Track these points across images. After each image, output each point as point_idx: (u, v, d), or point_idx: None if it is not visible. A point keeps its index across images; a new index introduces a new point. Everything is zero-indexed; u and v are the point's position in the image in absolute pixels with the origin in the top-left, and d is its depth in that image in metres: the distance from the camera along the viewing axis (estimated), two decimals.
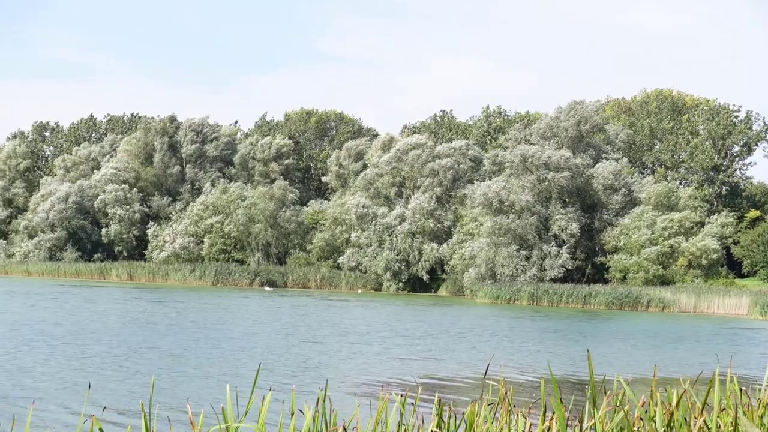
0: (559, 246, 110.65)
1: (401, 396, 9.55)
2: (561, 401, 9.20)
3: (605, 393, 9.82)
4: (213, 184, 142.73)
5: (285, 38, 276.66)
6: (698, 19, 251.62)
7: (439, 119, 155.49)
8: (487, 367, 10.38)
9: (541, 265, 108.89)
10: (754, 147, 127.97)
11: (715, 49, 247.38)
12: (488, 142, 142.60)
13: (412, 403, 9.82)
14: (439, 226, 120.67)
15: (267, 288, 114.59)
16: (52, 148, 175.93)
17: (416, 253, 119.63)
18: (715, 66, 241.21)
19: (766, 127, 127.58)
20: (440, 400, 9.74)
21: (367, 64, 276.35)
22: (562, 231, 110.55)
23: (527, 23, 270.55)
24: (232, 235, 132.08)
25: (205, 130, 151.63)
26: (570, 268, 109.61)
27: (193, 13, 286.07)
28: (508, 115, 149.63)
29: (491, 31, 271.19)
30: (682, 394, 9.45)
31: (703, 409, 9.35)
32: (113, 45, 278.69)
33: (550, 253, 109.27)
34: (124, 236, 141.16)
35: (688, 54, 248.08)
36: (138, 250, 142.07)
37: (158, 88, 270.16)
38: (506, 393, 9.51)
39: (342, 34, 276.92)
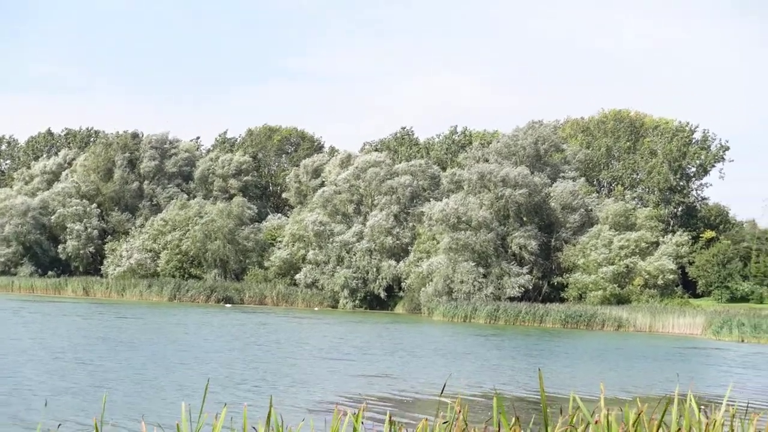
0: (519, 264, 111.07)
1: (355, 413, 9.46)
2: (518, 419, 9.13)
3: (561, 411, 9.76)
4: (172, 200, 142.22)
5: (251, 54, 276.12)
6: (661, 37, 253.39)
7: (399, 137, 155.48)
8: (444, 385, 10.30)
9: (499, 283, 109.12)
10: (710, 168, 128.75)
11: (677, 68, 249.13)
12: (449, 160, 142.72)
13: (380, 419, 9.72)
14: (397, 243, 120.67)
15: (227, 305, 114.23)
16: (8, 162, 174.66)
17: (374, 270, 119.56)
18: (675, 84, 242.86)
19: (722, 148, 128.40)
20: (391, 417, 9.65)
21: (331, 81, 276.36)
22: (521, 249, 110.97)
23: (490, 42, 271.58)
24: (189, 251, 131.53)
25: (165, 146, 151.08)
26: (529, 287, 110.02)
27: (157, 29, 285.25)
28: (471, 134, 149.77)
29: (454, 49, 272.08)
30: (640, 413, 9.41)
31: (659, 428, 9.31)
32: (74, 59, 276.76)
33: (510, 271, 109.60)
34: (81, 252, 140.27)
35: (649, 72, 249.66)
36: (94, 265, 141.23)
37: (119, 102, 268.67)
38: (460, 411, 9.43)
39: (306, 51, 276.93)
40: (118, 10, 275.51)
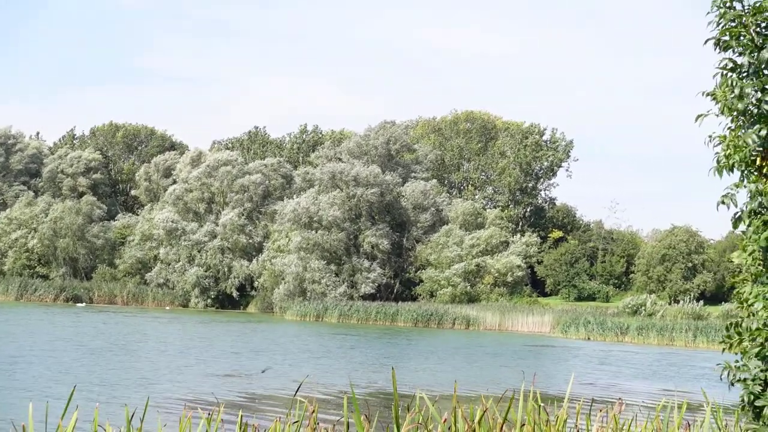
0: (371, 262, 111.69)
1: (207, 414, 9.55)
2: (367, 418, 9.32)
3: (408, 409, 9.97)
4: (18, 198, 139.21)
5: (101, 54, 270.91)
6: (511, 43, 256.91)
7: (252, 135, 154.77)
8: (300, 384, 10.45)
9: (352, 282, 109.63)
10: (557, 168, 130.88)
11: (524, 71, 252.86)
12: (300, 159, 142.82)
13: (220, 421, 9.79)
14: (249, 242, 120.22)
15: (78, 304, 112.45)
16: None
17: (226, 269, 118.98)
18: (523, 88, 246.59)
19: (567, 146, 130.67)
20: (243, 418, 9.76)
21: (184, 81, 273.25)
22: (373, 248, 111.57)
23: (341, 44, 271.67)
24: (36, 250, 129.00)
25: (9, 142, 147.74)
26: (381, 283, 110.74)
27: (5, 24, 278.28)
28: (322, 133, 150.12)
29: (306, 50, 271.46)
30: (485, 411, 9.66)
31: (503, 426, 9.58)
32: None
33: (361, 267, 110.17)
34: None
35: (498, 76, 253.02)
36: None
37: None
38: (312, 411, 9.58)
39: (159, 51, 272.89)
40: None
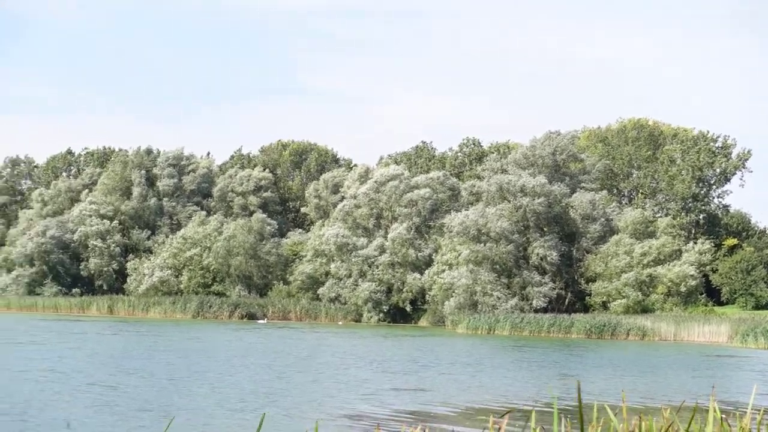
0: (541, 274, 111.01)
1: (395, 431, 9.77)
2: (543, 430, 9.42)
3: (589, 422, 10.03)
4: (192, 217, 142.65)
5: (259, 71, 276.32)
6: (674, 47, 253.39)
7: (419, 150, 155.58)
8: (506, 411, 10.61)
9: (522, 294, 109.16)
10: (731, 175, 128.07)
11: (693, 78, 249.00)
12: (465, 172, 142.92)
13: None
14: (419, 255, 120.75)
15: (260, 321, 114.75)
16: (29, 182, 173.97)
17: (399, 283, 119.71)
18: (693, 95, 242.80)
19: (742, 157, 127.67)
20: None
21: (342, 98, 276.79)
22: (542, 259, 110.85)
23: (498, 57, 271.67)
24: (211, 267, 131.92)
25: (182, 163, 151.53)
26: (552, 296, 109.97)
27: (167, 46, 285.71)
28: (482, 146, 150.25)
29: (463, 65, 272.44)
30: (670, 425, 9.65)
31: None
32: (84, 79, 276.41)
33: (532, 281, 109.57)
34: (104, 269, 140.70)
35: (664, 82, 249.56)
36: (118, 283, 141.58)
37: (131, 120, 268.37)
38: (500, 427, 9.70)
39: (316, 67, 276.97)
40: (120, 25, 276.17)
